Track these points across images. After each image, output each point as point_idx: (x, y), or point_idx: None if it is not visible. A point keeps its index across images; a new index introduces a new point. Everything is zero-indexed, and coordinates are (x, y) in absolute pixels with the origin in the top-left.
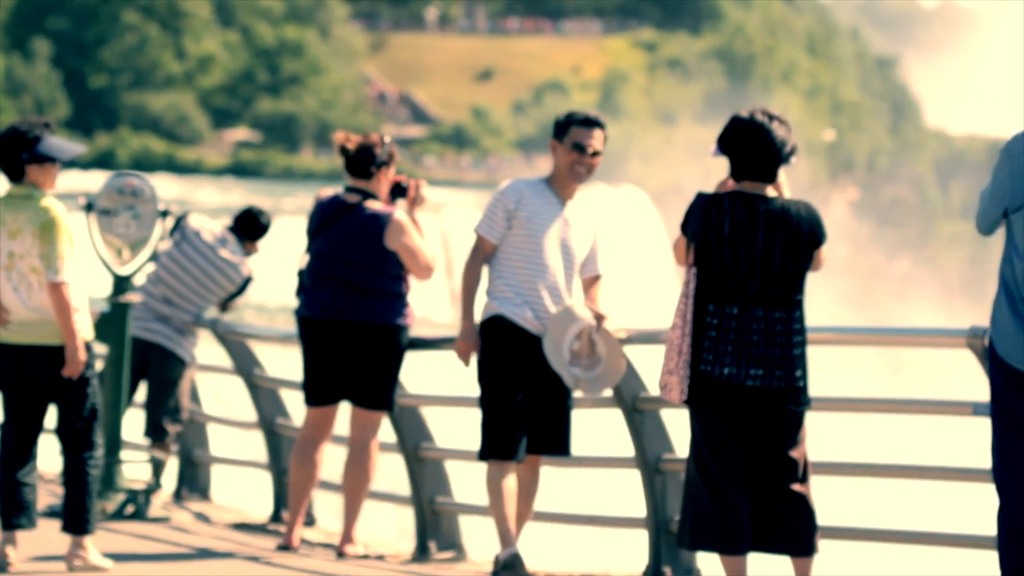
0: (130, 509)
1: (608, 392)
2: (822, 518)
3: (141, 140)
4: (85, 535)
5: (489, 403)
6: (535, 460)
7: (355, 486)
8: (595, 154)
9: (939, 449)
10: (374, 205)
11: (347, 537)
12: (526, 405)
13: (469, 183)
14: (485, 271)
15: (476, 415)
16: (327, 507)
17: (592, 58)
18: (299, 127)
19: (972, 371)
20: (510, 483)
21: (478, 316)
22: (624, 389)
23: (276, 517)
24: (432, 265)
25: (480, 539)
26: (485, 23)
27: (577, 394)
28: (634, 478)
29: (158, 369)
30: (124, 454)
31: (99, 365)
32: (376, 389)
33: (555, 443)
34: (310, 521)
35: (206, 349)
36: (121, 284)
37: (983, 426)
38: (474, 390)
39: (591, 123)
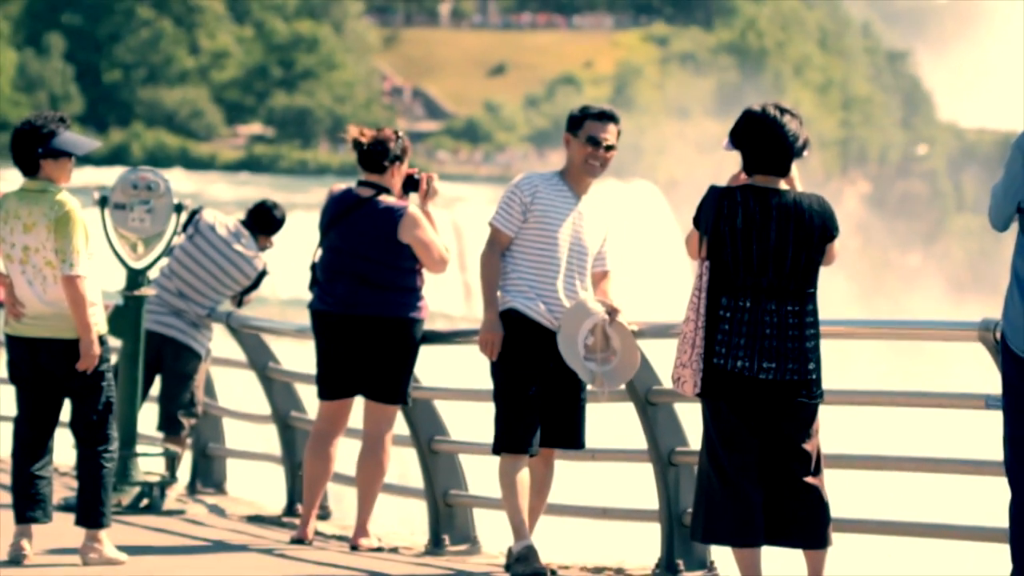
0: (145, 502)
1: (622, 385)
2: (835, 511)
3: (155, 135)
4: (100, 528)
5: (503, 397)
6: (549, 453)
7: (369, 479)
8: (609, 148)
9: (951, 442)
10: (387, 199)
11: (361, 530)
12: (540, 399)
13: (482, 177)
14: None
15: (490, 408)
16: (341, 500)
17: (604, 52)
18: (313, 122)
19: (984, 364)
20: (523, 476)
21: None
22: (637, 382)
23: (290, 510)
24: (446, 258)
25: (494, 532)
26: (498, 18)
27: (593, 388)
28: (647, 471)
29: (172, 363)
30: (139, 447)
31: (113, 359)
32: (390, 383)
33: (569, 437)
34: (324, 514)
35: (220, 343)
36: (135, 278)
37: (995, 419)
38: (488, 383)
39: (606, 117)
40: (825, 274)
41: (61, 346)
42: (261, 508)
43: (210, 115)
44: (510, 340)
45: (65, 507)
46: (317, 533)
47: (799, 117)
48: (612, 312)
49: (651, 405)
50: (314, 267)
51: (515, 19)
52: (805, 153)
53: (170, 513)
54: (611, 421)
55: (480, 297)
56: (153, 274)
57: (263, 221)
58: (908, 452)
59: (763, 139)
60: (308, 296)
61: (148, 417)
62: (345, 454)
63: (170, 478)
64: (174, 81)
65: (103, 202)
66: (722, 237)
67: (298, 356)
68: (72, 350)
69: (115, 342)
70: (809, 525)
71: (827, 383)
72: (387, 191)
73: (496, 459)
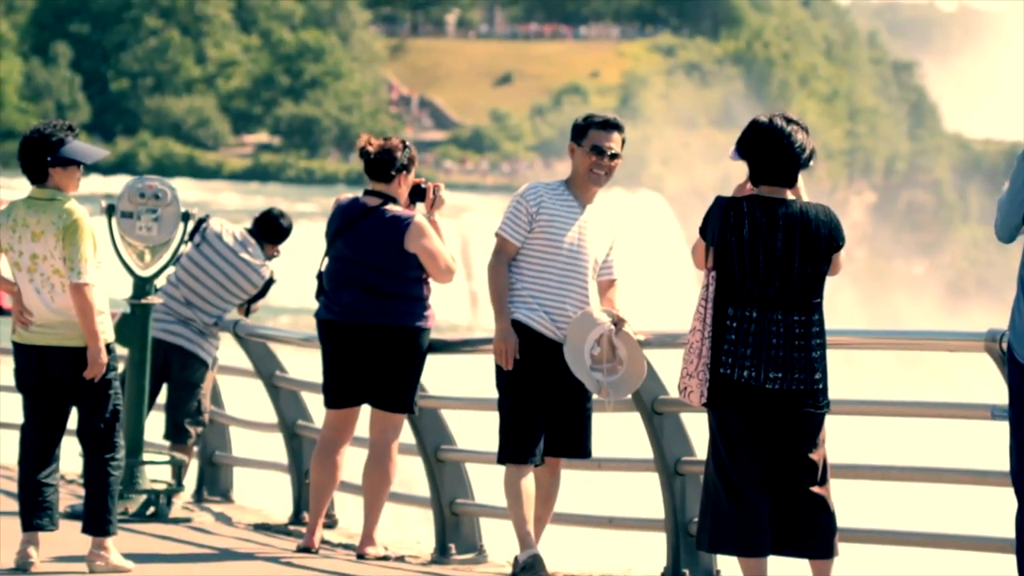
0: (151, 510)
1: (629, 395)
2: (841, 520)
3: (162, 144)
4: (106, 536)
5: (507, 407)
6: (555, 462)
7: (375, 488)
8: (614, 156)
9: (957, 452)
10: (394, 208)
11: (367, 538)
12: (545, 409)
13: (488, 187)
14: None
15: (496, 417)
16: (348, 508)
17: (611, 63)
18: (319, 131)
19: (990, 374)
20: (528, 485)
21: None
22: (643, 392)
23: (297, 518)
24: (452, 268)
25: (500, 541)
26: (504, 27)
27: (599, 398)
28: (653, 480)
29: (179, 371)
30: (145, 455)
31: (120, 367)
32: (397, 391)
33: (576, 446)
34: (331, 523)
35: (228, 351)
36: (142, 286)
37: (1001, 429)
38: (494, 392)
39: (609, 125)
40: (831, 284)
41: (69, 354)
42: (267, 516)
43: (217, 124)
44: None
45: (72, 515)
46: (323, 541)
47: (805, 127)
48: (618, 322)
49: (657, 414)
50: (321, 276)
51: (522, 29)
52: (811, 163)
53: (176, 521)
54: (617, 430)
55: (487, 306)
56: (160, 282)
57: (270, 229)
58: (914, 462)
59: (770, 149)
60: (315, 305)
61: (155, 425)
62: (352, 463)
63: (176, 486)
64: (181, 90)
65: (110, 210)
66: (728, 247)
67: (305, 365)
68: (79, 358)
69: (121, 350)
70: (815, 535)
71: (833, 393)
72: (394, 200)
73: (502, 468)
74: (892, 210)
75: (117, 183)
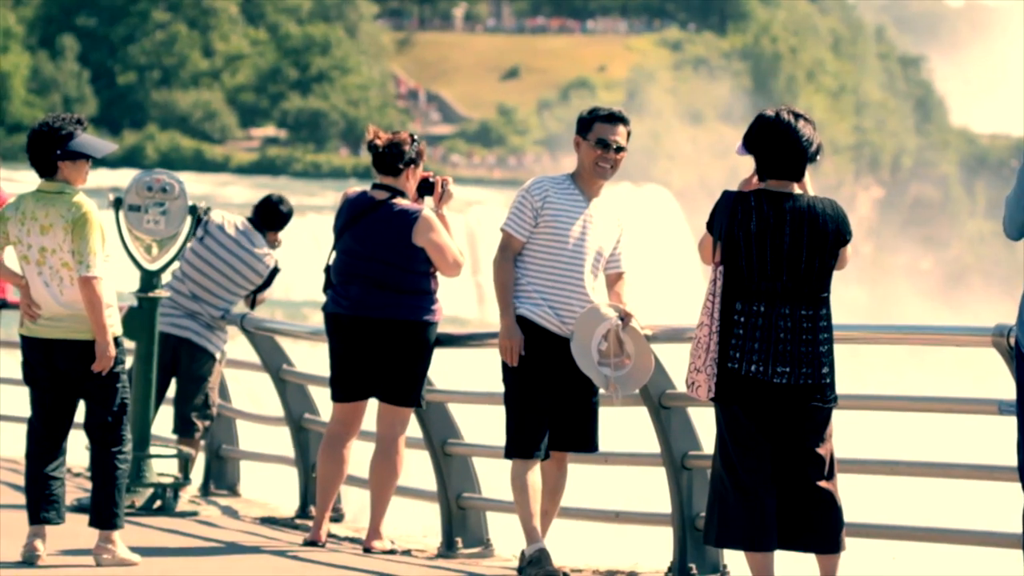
0: (158, 504)
1: (636, 390)
2: (848, 515)
3: (169, 137)
4: (113, 529)
5: (513, 402)
6: (562, 457)
7: (382, 482)
8: (619, 150)
9: (965, 447)
10: (402, 202)
11: (374, 532)
12: (551, 403)
13: (495, 181)
14: None
15: (503, 411)
16: (354, 502)
17: (618, 57)
18: (326, 124)
19: (998, 369)
20: (535, 480)
21: None
22: (651, 386)
23: (303, 512)
24: (460, 261)
25: (507, 535)
26: (512, 22)
27: (606, 393)
28: (660, 475)
29: (188, 364)
30: (152, 449)
31: (129, 360)
32: (404, 385)
33: (582, 440)
34: (337, 516)
35: (235, 345)
36: (150, 280)
37: (1009, 424)
38: (501, 386)
39: (615, 119)
40: (838, 278)
41: (77, 347)
42: (274, 510)
43: (224, 117)
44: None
45: (78, 508)
46: (330, 535)
47: (812, 122)
48: (625, 317)
49: (664, 409)
50: (328, 269)
51: (529, 23)
52: (818, 158)
53: (183, 514)
54: (624, 425)
55: (493, 300)
56: (167, 276)
57: (270, 216)
58: (921, 457)
59: (777, 144)
60: (322, 298)
61: (166, 420)
62: (359, 456)
63: (183, 479)
64: (188, 83)
65: (117, 204)
66: (736, 242)
67: (312, 358)
68: (87, 351)
69: (129, 344)
70: (822, 529)
71: (840, 387)
72: (402, 194)
73: (509, 462)
74: (899, 205)
75: (124, 176)
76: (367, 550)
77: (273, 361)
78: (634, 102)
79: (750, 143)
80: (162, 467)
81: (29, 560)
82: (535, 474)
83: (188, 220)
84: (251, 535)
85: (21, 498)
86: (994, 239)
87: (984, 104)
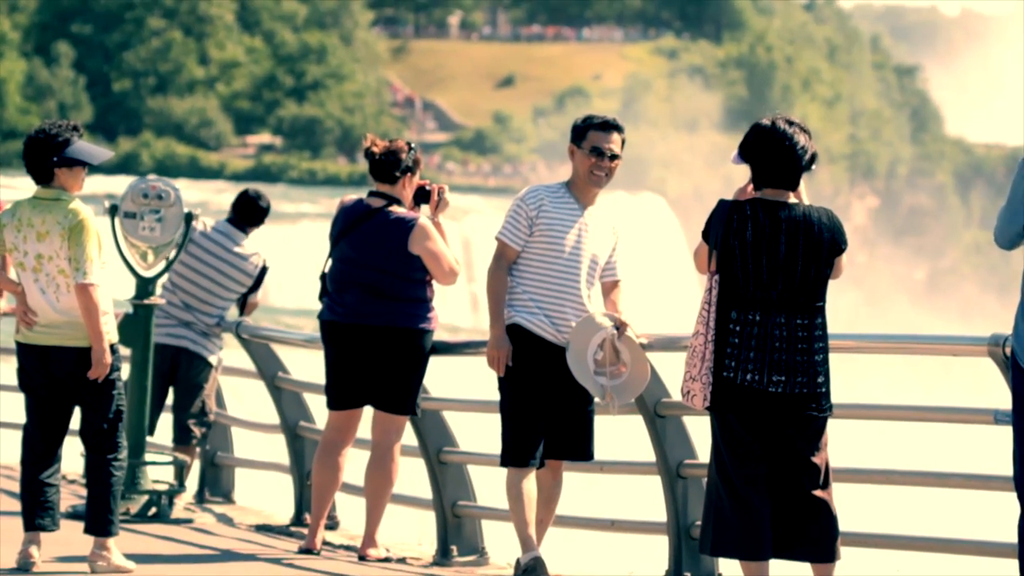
0: (153, 511)
1: (632, 399)
2: (844, 524)
3: (165, 144)
4: (108, 536)
5: (508, 411)
6: (557, 465)
7: (377, 489)
8: (613, 157)
9: (960, 456)
10: (398, 210)
11: (369, 540)
12: (547, 412)
13: (490, 189)
14: None
15: (498, 419)
16: (349, 510)
17: (613, 65)
18: (322, 132)
19: (993, 379)
20: (530, 488)
21: None
22: (646, 395)
23: (298, 520)
24: (456, 270)
25: (502, 543)
26: (507, 30)
27: (602, 402)
28: (656, 483)
29: (185, 372)
30: (148, 456)
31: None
32: (399, 393)
33: (578, 449)
34: (332, 524)
35: (230, 352)
36: (145, 287)
37: (1004, 434)
38: (496, 394)
39: (609, 127)
40: (833, 288)
41: (73, 354)
42: (269, 517)
43: (219, 125)
44: (514, 355)
45: (73, 515)
46: (325, 543)
47: (807, 130)
48: (621, 326)
49: (660, 417)
50: (324, 277)
51: (524, 31)
52: (813, 167)
53: (178, 522)
54: (620, 433)
55: (487, 309)
56: (163, 282)
57: (249, 212)
58: (917, 466)
59: (772, 153)
60: (317, 306)
61: (165, 429)
62: (354, 464)
63: (178, 487)
64: (183, 90)
65: (113, 211)
66: (732, 251)
67: (307, 366)
68: (83, 358)
69: (125, 351)
70: (817, 539)
71: (836, 397)
72: (398, 202)
73: (504, 470)
74: (894, 214)
75: (119, 183)
76: (362, 558)
77: (268, 369)
78: (629, 110)
79: (746, 152)
80: (157, 474)
81: (24, 567)
82: (530, 482)
83: (183, 227)
84: (246, 543)
85: (16, 505)
86: (989, 249)
87: (979, 114)
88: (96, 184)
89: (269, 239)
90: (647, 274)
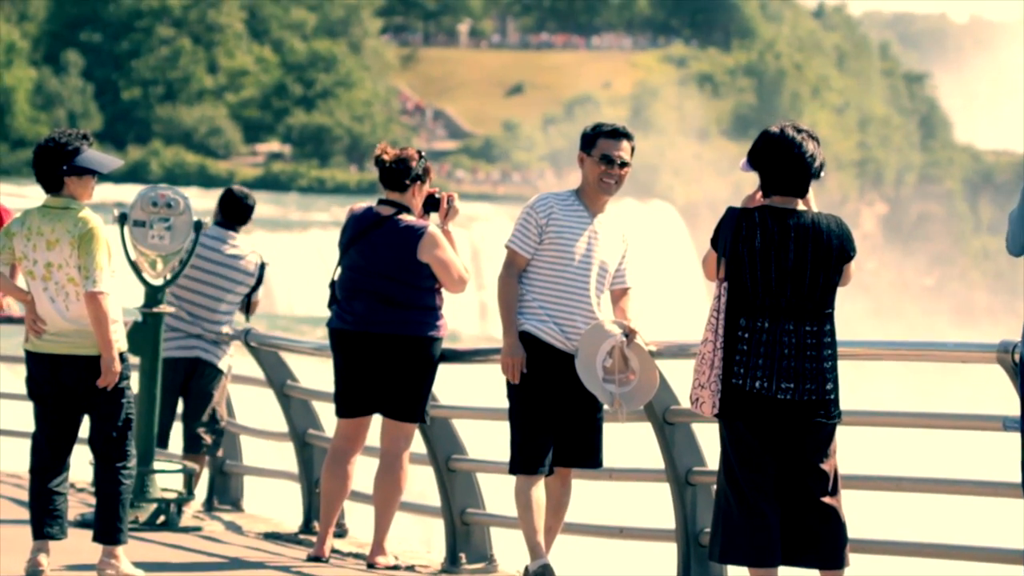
0: (162, 519)
1: (641, 406)
2: (852, 531)
3: (174, 153)
4: (117, 545)
5: (517, 418)
6: (566, 472)
7: (386, 497)
8: (623, 165)
9: (969, 463)
10: (408, 218)
11: (378, 548)
12: (556, 419)
13: (500, 197)
14: None
15: (507, 427)
16: (358, 518)
17: (623, 73)
18: (331, 140)
19: (1002, 386)
20: (539, 495)
21: None
22: (655, 402)
23: (307, 528)
24: (465, 278)
25: (511, 551)
26: (516, 38)
27: (611, 410)
28: (664, 491)
29: (197, 381)
30: (156, 464)
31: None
32: (408, 401)
33: (587, 456)
34: (341, 532)
35: (239, 360)
36: (154, 295)
37: (1013, 440)
38: (505, 402)
39: (619, 134)
40: (842, 295)
41: (82, 363)
42: (278, 525)
43: (229, 133)
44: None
45: (82, 523)
46: (334, 551)
47: (816, 138)
48: (630, 333)
49: (669, 424)
50: (333, 285)
51: (534, 39)
52: (822, 174)
53: (187, 530)
54: (628, 440)
55: (497, 316)
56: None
57: (235, 211)
58: (925, 473)
59: (781, 160)
60: (326, 314)
61: (175, 437)
62: (362, 472)
63: (187, 495)
64: (193, 99)
65: (122, 219)
66: (740, 258)
67: (316, 374)
68: (93, 367)
69: (134, 359)
70: (826, 545)
71: (844, 404)
72: (408, 210)
73: (513, 478)
74: (903, 221)
75: (129, 192)
76: (371, 566)
77: (277, 377)
78: (639, 118)
79: (754, 159)
80: (166, 482)
81: (33, 575)
82: (539, 490)
83: (192, 236)
84: (255, 551)
85: (25, 513)
86: (998, 256)
87: (989, 121)
88: (105, 193)
89: (278, 247)
90: (656, 281)
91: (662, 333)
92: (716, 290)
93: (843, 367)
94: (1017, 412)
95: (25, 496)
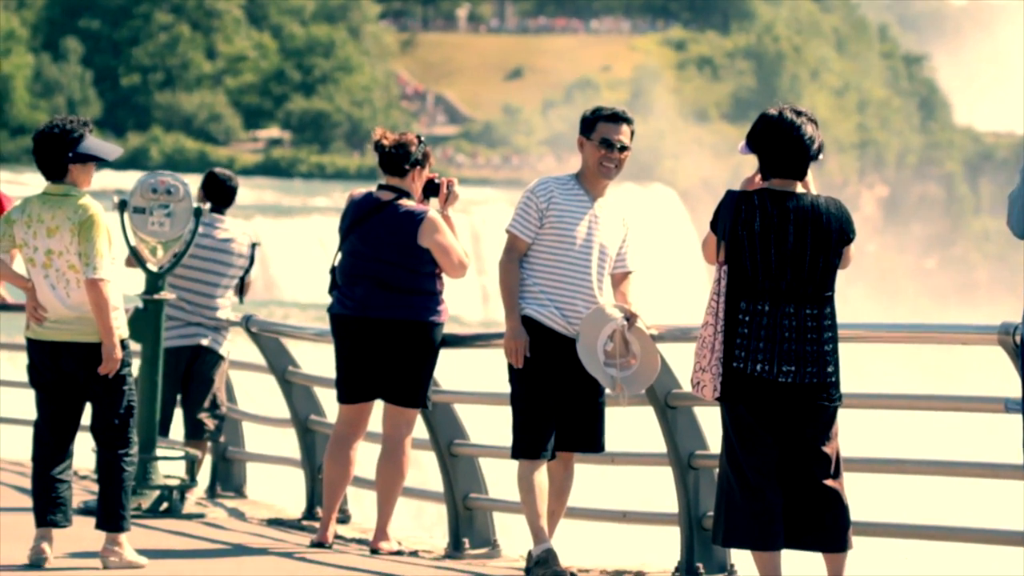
0: (165, 506)
1: (642, 390)
2: (855, 514)
3: (174, 139)
4: (120, 532)
5: (519, 402)
6: (568, 457)
7: (389, 483)
8: (623, 149)
9: (970, 445)
10: (408, 203)
11: (381, 533)
12: (557, 403)
13: (500, 181)
14: None
15: (509, 412)
16: (361, 503)
17: (622, 56)
18: (330, 126)
19: (1003, 368)
20: (541, 480)
21: None
22: (657, 386)
23: (310, 514)
24: (466, 263)
25: (514, 535)
26: (515, 22)
27: (612, 393)
28: (667, 474)
29: (199, 367)
30: (159, 451)
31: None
32: (410, 386)
33: (589, 440)
34: (344, 518)
35: (240, 347)
36: (154, 282)
37: (1014, 422)
38: (507, 387)
39: (618, 118)
40: (842, 277)
41: (83, 350)
42: (281, 512)
43: (228, 119)
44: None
45: (85, 511)
46: (337, 537)
47: (815, 120)
48: (631, 317)
49: (671, 408)
50: (334, 271)
51: (532, 23)
52: (820, 156)
53: (190, 517)
54: (631, 425)
55: (498, 301)
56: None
57: (221, 193)
58: (927, 455)
59: (780, 142)
60: (327, 300)
61: (176, 424)
62: (365, 458)
63: (190, 482)
64: (192, 85)
65: (122, 206)
66: (740, 241)
67: (318, 360)
68: (94, 354)
69: (135, 346)
70: (829, 528)
71: (845, 386)
72: (408, 195)
73: (516, 462)
74: (903, 204)
75: (128, 179)
76: (374, 551)
77: (279, 363)
78: (638, 101)
79: (753, 142)
80: (169, 469)
81: (36, 563)
82: (542, 474)
83: (192, 222)
84: (258, 537)
85: (28, 501)
86: (999, 237)
87: (988, 102)
88: (105, 179)
89: (279, 233)
90: (657, 265)
91: (663, 317)
92: (716, 273)
93: (844, 350)
94: (1018, 394)
95: (28, 484)
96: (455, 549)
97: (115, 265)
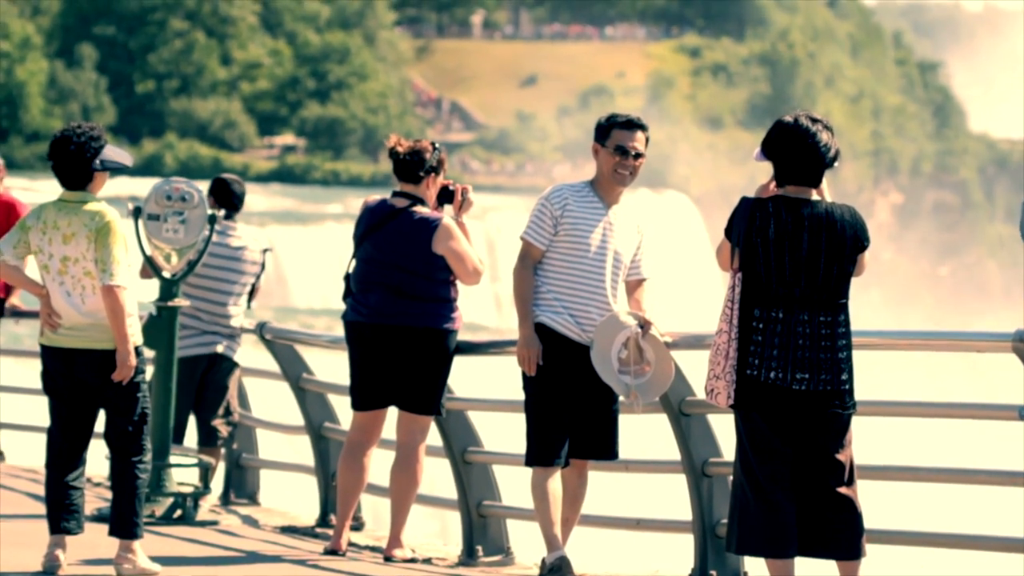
0: (178, 513)
1: (656, 398)
2: (868, 522)
3: (188, 146)
4: (134, 539)
5: (533, 410)
6: (582, 464)
7: (403, 490)
8: (638, 156)
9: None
10: (422, 210)
11: (395, 541)
12: (571, 411)
13: (514, 188)
14: None
15: (523, 419)
16: (375, 511)
17: (637, 63)
18: (345, 132)
19: (1018, 375)
20: (555, 487)
21: None
22: (671, 393)
23: (324, 521)
24: (480, 270)
25: (528, 543)
26: (530, 29)
27: (627, 401)
28: (681, 482)
29: (213, 375)
30: (172, 458)
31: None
32: (424, 393)
33: (603, 448)
34: (358, 525)
35: (254, 354)
36: (169, 289)
37: None
38: (521, 394)
39: (633, 125)
40: (857, 284)
41: (97, 357)
42: (294, 519)
43: (243, 126)
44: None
45: (98, 517)
46: (350, 544)
47: (830, 127)
48: (645, 324)
49: (684, 416)
50: (348, 278)
51: (547, 30)
52: (836, 164)
53: (203, 524)
54: (644, 432)
55: (512, 308)
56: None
57: (230, 199)
58: (941, 463)
59: (795, 150)
60: (341, 306)
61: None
62: (379, 465)
63: (203, 489)
64: (207, 92)
65: (136, 213)
66: (754, 248)
67: (332, 367)
68: (108, 361)
69: (149, 353)
70: (842, 536)
71: (859, 394)
72: (422, 202)
73: (529, 470)
74: (918, 211)
75: (143, 185)
76: (388, 559)
77: (293, 370)
78: (653, 108)
79: (768, 149)
80: (182, 476)
81: (50, 570)
82: (555, 482)
83: (207, 229)
84: (271, 544)
85: (41, 508)
86: (1014, 244)
87: (1003, 109)
88: (120, 186)
89: (293, 240)
90: (671, 272)
91: (677, 324)
92: (730, 280)
93: (858, 357)
94: None
95: (42, 491)
96: (469, 556)
97: (131, 272)
